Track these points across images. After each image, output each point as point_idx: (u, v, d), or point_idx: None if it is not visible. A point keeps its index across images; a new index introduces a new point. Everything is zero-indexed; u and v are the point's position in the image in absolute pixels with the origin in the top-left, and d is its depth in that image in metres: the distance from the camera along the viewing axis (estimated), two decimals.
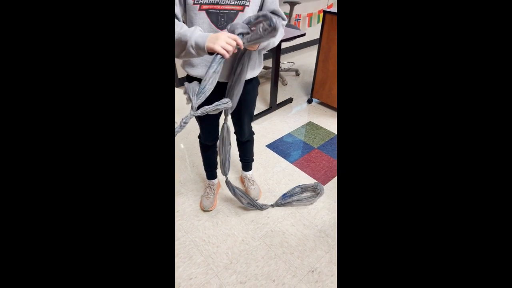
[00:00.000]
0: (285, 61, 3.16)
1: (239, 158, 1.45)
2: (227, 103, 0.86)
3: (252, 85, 1.05)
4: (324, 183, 1.56)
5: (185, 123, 0.70)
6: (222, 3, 0.80)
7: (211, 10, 0.81)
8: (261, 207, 1.38)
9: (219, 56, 0.73)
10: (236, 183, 1.55)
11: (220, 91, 0.98)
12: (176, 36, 0.76)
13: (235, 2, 0.81)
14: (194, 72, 0.94)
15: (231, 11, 0.82)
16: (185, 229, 1.29)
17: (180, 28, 0.76)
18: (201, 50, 0.74)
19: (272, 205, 1.41)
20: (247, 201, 1.33)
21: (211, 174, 1.40)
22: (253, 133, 1.32)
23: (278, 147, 1.84)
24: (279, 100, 2.29)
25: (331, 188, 1.52)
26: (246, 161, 1.44)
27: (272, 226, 1.32)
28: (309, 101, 2.35)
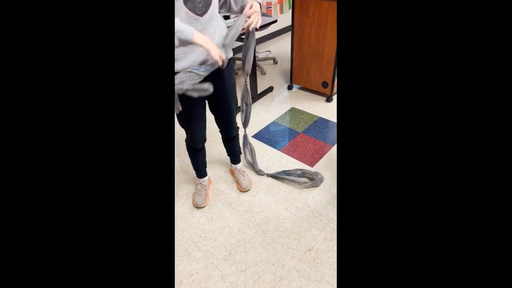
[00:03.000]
0: (262, 50, 3.15)
1: (226, 154, 1.46)
2: (207, 89, 0.90)
3: (230, 65, 1.06)
4: (312, 165, 1.59)
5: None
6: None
7: None
8: (257, 171, 1.53)
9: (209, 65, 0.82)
10: (226, 176, 1.56)
11: (211, 79, 0.99)
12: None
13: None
14: (177, 66, 0.92)
15: None
16: (181, 228, 1.30)
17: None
18: (188, 40, 0.79)
19: (267, 174, 1.51)
20: (251, 160, 1.51)
21: (201, 173, 1.41)
22: (238, 128, 1.33)
23: (264, 136, 1.85)
24: (260, 90, 2.29)
25: (318, 169, 1.55)
26: (235, 155, 1.45)
27: (266, 213, 1.34)
28: (290, 88, 2.36)
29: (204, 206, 1.39)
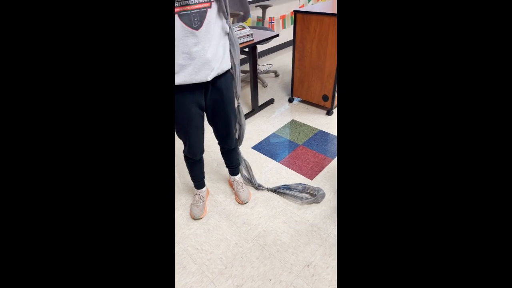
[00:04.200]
0: (263, 63, 3.20)
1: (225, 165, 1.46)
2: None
3: (227, 77, 1.07)
4: (312, 177, 1.58)
5: None
6: (191, 3, 0.83)
7: (182, 13, 0.83)
8: (257, 187, 1.50)
9: None
10: (224, 187, 1.55)
11: (200, 90, 1.01)
12: None
13: (202, 0, 0.85)
14: (175, 79, 0.94)
15: (202, 9, 0.86)
16: (177, 240, 1.27)
17: None
18: None
19: (267, 189, 1.49)
20: (247, 176, 1.51)
21: (199, 184, 1.40)
22: (236, 140, 1.33)
23: (264, 147, 1.85)
24: (261, 102, 2.31)
25: (318, 183, 1.54)
26: (234, 167, 1.45)
27: (264, 226, 1.31)
28: (290, 100, 2.38)
29: (201, 218, 1.36)
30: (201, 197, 1.40)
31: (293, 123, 2.09)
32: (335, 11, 1.86)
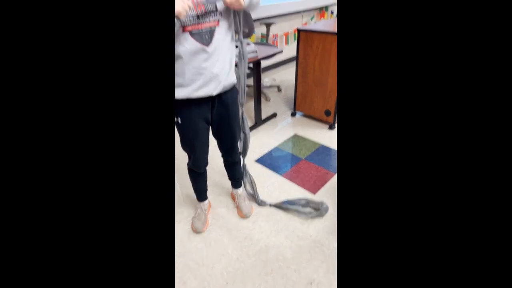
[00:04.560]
0: (267, 78, 3.26)
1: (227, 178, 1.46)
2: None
3: (233, 92, 1.10)
4: (315, 192, 1.57)
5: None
6: (201, 21, 0.88)
7: (194, 31, 0.88)
8: (259, 203, 1.48)
9: None
10: (226, 200, 1.54)
11: (207, 104, 1.04)
12: None
13: (212, 19, 0.90)
14: (181, 93, 0.96)
15: (211, 28, 0.91)
16: (178, 253, 1.25)
17: None
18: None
19: (270, 204, 1.47)
20: (251, 191, 1.50)
21: (202, 196, 1.40)
22: (240, 153, 1.34)
23: (267, 161, 1.85)
24: (264, 115, 2.34)
25: (321, 197, 1.53)
26: (237, 180, 1.45)
27: (266, 240, 1.30)
28: (293, 114, 2.41)
29: (203, 231, 1.35)
30: (203, 210, 1.40)
31: (296, 137, 2.10)
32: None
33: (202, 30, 0.89)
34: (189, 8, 0.82)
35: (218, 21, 0.92)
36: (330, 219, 1.39)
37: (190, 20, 0.86)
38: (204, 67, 0.93)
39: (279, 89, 2.96)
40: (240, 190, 1.48)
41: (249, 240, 1.31)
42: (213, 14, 0.89)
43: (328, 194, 1.55)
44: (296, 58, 2.14)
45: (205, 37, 0.91)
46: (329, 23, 2.18)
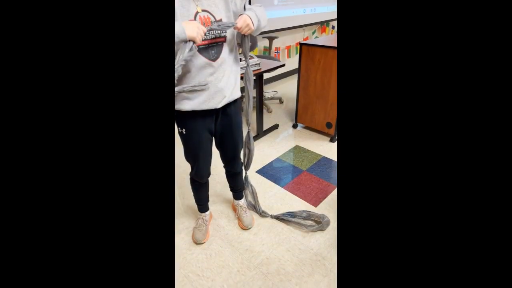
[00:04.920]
0: (269, 90, 3.31)
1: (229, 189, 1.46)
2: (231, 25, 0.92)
3: (237, 104, 1.13)
4: (316, 204, 1.57)
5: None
6: (208, 38, 0.91)
7: (201, 47, 0.91)
8: (260, 214, 1.48)
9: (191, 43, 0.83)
10: (227, 211, 1.54)
11: (211, 117, 1.06)
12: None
13: (218, 34, 0.92)
14: (187, 105, 0.98)
15: (218, 43, 0.94)
16: (178, 265, 1.24)
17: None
18: (183, 39, 0.83)
19: (271, 216, 1.46)
20: (252, 202, 1.51)
21: (203, 207, 1.40)
22: (242, 164, 1.35)
23: (268, 172, 1.86)
24: (266, 127, 2.36)
25: (322, 210, 1.52)
26: (239, 191, 1.45)
27: (268, 253, 1.28)
28: (294, 126, 2.43)
29: (204, 243, 1.34)
30: (204, 221, 1.39)
31: (297, 149, 2.11)
32: None
33: (209, 45, 0.92)
34: (204, 33, 0.85)
35: (225, 37, 0.95)
36: (332, 233, 1.38)
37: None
38: (210, 81, 0.95)
39: (280, 101, 3.00)
40: (242, 201, 1.48)
41: (250, 252, 1.29)
42: (219, 31, 0.93)
43: (329, 207, 1.55)
44: (298, 71, 2.19)
45: (212, 52, 0.93)
46: (330, 39, 2.23)
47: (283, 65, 2.17)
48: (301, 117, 2.34)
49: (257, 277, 1.18)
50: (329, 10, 3.78)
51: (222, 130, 1.12)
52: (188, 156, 1.15)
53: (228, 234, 1.39)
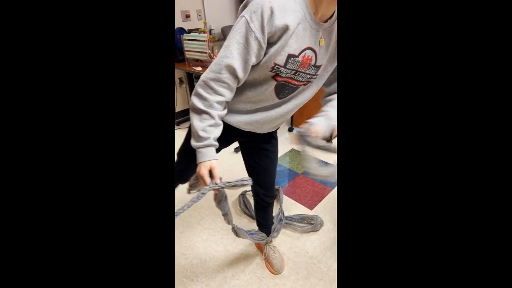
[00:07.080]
0: None
1: (257, 227, 1.23)
2: (247, 181, 0.79)
3: (274, 139, 1.08)
4: (311, 207, 1.56)
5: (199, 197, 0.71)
6: (296, 78, 0.74)
7: (281, 82, 0.74)
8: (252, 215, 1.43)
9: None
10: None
11: (233, 133, 0.89)
12: (198, 126, 0.71)
13: (305, 78, 0.76)
14: (231, 118, 0.84)
15: (298, 86, 0.78)
16: None
17: (208, 125, 0.71)
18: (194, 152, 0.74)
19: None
20: (245, 210, 1.47)
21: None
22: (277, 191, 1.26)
23: None
24: None
25: (318, 212, 1.52)
26: (269, 226, 1.22)
27: (262, 256, 1.27)
28: (290, 130, 2.44)
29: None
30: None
31: (293, 152, 2.12)
32: None
33: (288, 83, 0.75)
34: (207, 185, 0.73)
35: (309, 81, 0.78)
36: (327, 235, 1.38)
37: (287, 73, 0.71)
38: (264, 117, 0.84)
39: None
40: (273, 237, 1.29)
41: (245, 256, 1.28)
42: (309, 76, 0.75)
43: (325, 210, 1.54)
44: None
45: (285, 92, 0.78)
46: None
47: None
48: (297, 121, 2.35)
49: (252, 282, 1.17)
50: None
51: (259, 169, 1.02)
52: (186, 155, 0.96)
53: (223, 239, 1.38)
